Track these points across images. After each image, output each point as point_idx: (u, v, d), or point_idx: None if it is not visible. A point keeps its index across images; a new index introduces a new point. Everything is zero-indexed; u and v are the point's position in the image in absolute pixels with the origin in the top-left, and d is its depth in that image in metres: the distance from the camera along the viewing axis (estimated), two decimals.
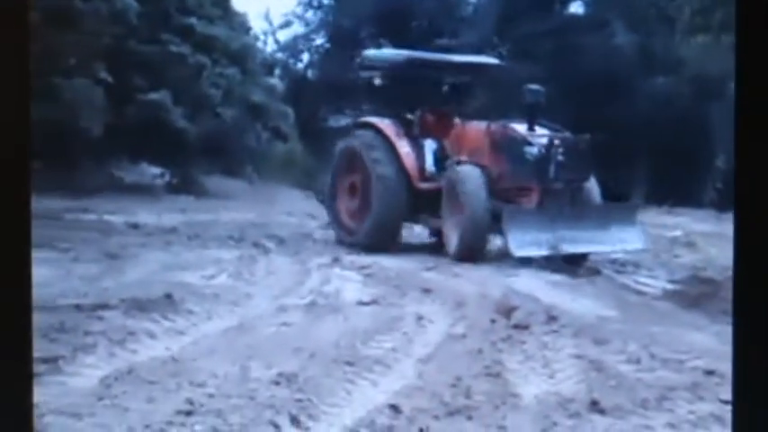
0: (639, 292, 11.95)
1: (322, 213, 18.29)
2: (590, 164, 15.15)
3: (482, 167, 15.01)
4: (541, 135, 15.13)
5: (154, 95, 26.63)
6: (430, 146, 16.44)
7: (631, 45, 34.23)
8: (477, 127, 16.00)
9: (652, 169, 33.93)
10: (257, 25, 40.73)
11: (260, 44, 39.60)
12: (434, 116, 16.94)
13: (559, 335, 8.79)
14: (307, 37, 44.32)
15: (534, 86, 15.48)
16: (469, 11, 42.66)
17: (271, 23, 43.47)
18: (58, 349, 7.47)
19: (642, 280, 12.99)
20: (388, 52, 19.20)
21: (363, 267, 13.50)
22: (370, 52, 19.43)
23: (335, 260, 14.36)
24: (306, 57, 44.09)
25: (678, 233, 17.97)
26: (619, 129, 33.21)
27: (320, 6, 44.35)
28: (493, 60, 19.47)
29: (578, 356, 7.92)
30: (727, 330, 8.22)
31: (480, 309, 10.21)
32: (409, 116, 16.76)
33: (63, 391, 6.45)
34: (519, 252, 13.81)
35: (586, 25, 36.89)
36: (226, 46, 30.28)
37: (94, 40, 23.29)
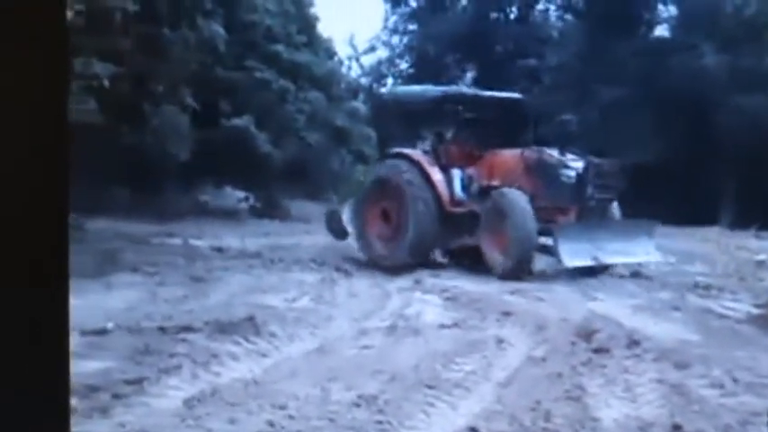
0: (723, 316, 11.75)
1: None
2: (618, 184, 16.57)
3: (521, 190, 16.15)
4: (574, 159, 16.40)
5: (238, 121, 26.98)
6: (457, 174, 17.55)
7: (719, 65, 33.77)
8: (510, 154, 17.18)
9: (739, 192, 33.41)
10: (342, 50, 41.12)
11: (344, 69, 39.92)
12: (459, 147, 17.96)
13: (641, 359, 8.70)
14: (391, 62, 44.69)
15: (567, 116, 17.29)
16: (554, 34, 42.62)
17: (355, 49, 43.89)
18: (142, 371, 7.60)
19: (726, 304, 12.78)
20: (421, 88, 20.53)
21: (444, 290, 13.49)
22: (400, 89, 20.73)
23: (417, 282, 14.42)
24: (389, 81, 44.42)
25: (763, 257, 17.67)
26: (706, 151, 32.90)
27: (405, 32, 44.68)
28: (517, 96, 20.55)
29: (660, 381, 7.84)
30: None
31: (561, 332, 10.15)
32: (426, 148, 18.09)
33: (147, 411, 6.57)
34: (570, 263, 15.08)
35: (673, 47, 36.56)
36: (310, 72, 30.58)
37: (182, 68, 23.66)
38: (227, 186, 31.65)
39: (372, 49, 44.83)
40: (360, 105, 34.53)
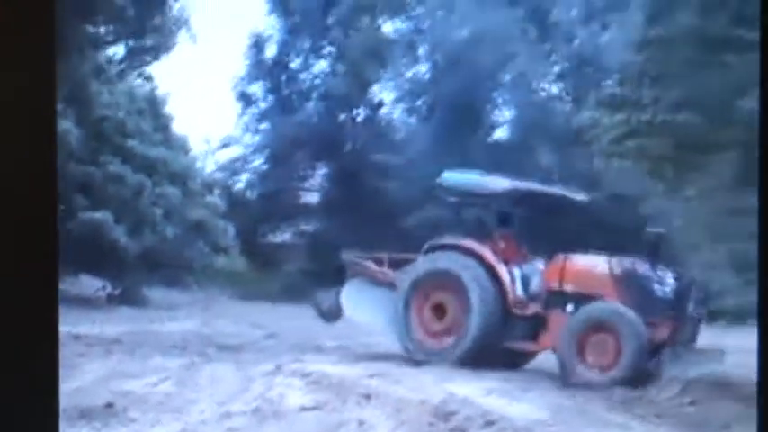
0: (572, 396, 12.20)
1: (266, 322, 18.59)
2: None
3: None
4: (664, 271, 15.42)
5: (95, 215, 26.91)
6: (518, 272, 16.41)
7: (552, 166, 35.49)
8: (592, 261, 15.99)
9: None
10: (197, 147, 41.34)
11: (199, 164, 40.09)
12: (507, 243, 16.98)
13: None
14: (245, 158, 45.05)
15: (658, 229, 16.03)
16: (401, 134, 43.85)
17: (210, 145, 44.15)
18: None
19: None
20: (482, 179, 17.68)
21: (306, 375, 13.54)
22: (455, 177, 18.01)
23: (278, 368, 14.41)
24: (245, 177, 44.76)
25: None
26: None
27: (257, 131, 45.26)
28: (582, 197, 18.98)
29: None
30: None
31: (419, 413, 10.36)
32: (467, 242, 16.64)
33: None
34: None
35: (512, 147, 38.51)
36: (166, 167, 30.78)
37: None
38: (83, 274, 31.23)
39: (226, 145, 45.11)
40: (216, 200, 34.73)
